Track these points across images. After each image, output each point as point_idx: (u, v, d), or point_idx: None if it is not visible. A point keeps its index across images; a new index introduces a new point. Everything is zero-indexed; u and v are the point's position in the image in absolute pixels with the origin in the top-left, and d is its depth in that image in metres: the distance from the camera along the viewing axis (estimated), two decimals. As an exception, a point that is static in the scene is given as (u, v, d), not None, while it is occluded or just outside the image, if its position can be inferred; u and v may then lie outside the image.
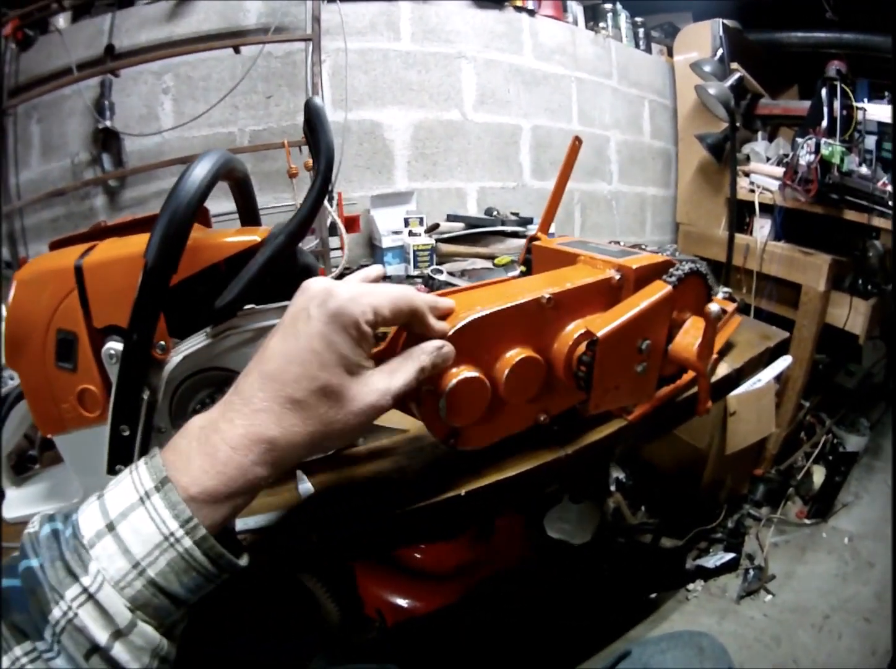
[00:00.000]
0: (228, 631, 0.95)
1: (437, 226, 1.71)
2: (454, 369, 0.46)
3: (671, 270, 0.60)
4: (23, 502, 0.63)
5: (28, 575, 0.32)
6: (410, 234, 1.64)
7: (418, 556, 1.36)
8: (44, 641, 0.31)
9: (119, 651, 0.31)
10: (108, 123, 1.65)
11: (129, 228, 1.10)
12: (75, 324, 0.51)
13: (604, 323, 0.51)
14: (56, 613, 0.31)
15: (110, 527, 0.33)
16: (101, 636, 0.31)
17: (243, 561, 0.36)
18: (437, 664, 1.27)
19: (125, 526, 0.33)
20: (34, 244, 1.73)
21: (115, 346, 0.50)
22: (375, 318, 0.38)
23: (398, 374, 0.41)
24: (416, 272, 1.56)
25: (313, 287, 0.39)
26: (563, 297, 0.53)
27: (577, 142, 0.79)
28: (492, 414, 0.51)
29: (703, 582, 1.75)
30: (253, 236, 0.53)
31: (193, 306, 0.52)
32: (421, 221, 1.71)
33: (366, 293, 0.39)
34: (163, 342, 0.51)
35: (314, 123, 0.51)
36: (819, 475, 2.10)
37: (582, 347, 0.53)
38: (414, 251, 1.57)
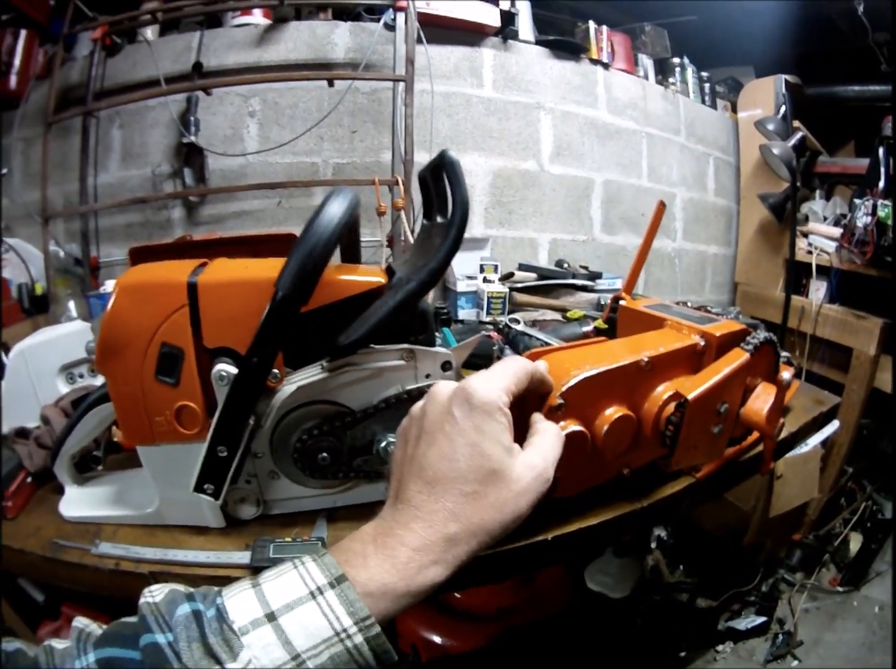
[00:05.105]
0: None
1: (512, 275, 1.72)
2: (562, 423, 0.49)
3: (748, 338, 0.64)
4: (84, 502, 0.63)
5: (152, 651, 0.32)
6: (485, 280, 1.64)
7: (459, 596, 1.36)
8: None
9: None
10: (192, 139, 1.70)
11: (217, 246, 1.12)
12: (183, 340, 0.51)
13: (693, 386, 0.55)
14: None
15: (270, 617, 0.33)
16: None
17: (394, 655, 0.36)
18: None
19: (289, 619, 0.33)
20: (105, 246, 1.78)
21: (226, 368, 0.50)
22: (509, 397, 0.41)
23: (546, 453, 0.42)
24: (489, 319, 1.54)
25: (444, 391, 0.41)
26: (658, 360, 0.57)
27: (661, 206, 0.82)
28: (586, 466, 0.53)
29: (732, 644, 1.72)
30: (378, 278, 0.55)
31: (306, 339, 0.53)
32: (496, 268, 1.71)
33: (492, 378, 0.41)
34: (276, 371, 0.51)
35: (451, 176, 0.53)
36: (856, 543, 2.04)
37: (671, 407, 0.55)
38: (488, 298, 1.56)
